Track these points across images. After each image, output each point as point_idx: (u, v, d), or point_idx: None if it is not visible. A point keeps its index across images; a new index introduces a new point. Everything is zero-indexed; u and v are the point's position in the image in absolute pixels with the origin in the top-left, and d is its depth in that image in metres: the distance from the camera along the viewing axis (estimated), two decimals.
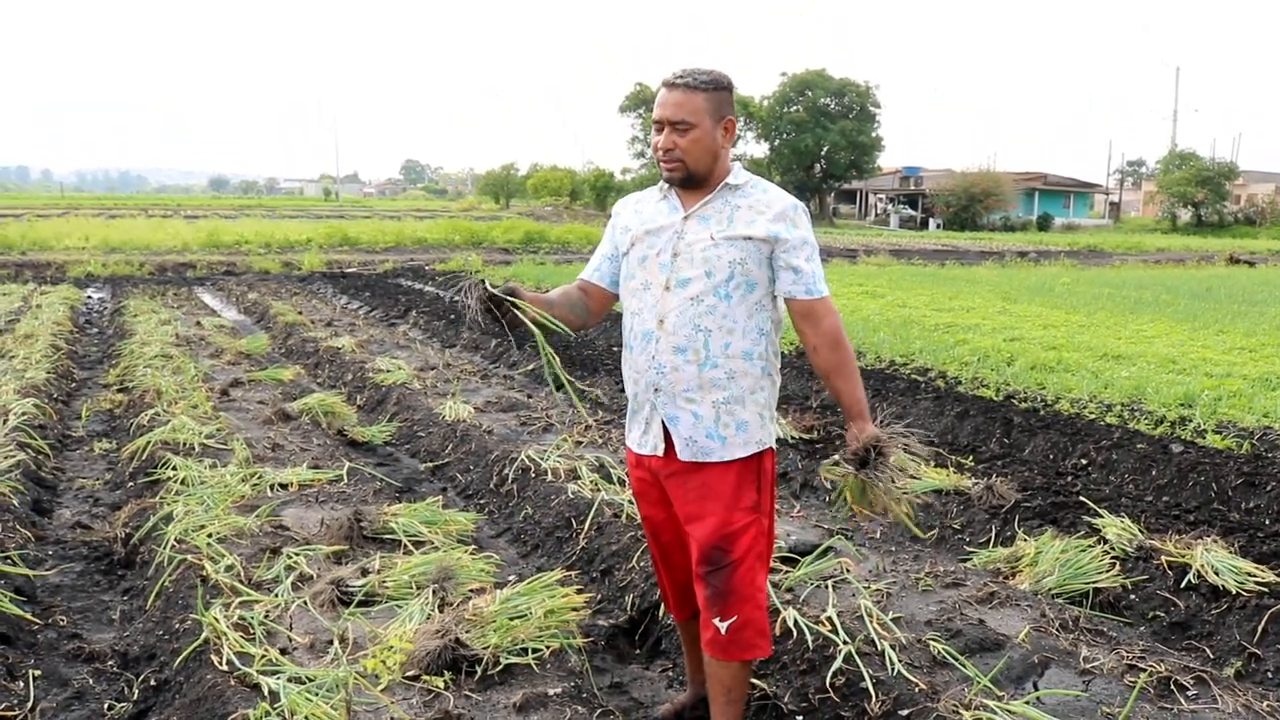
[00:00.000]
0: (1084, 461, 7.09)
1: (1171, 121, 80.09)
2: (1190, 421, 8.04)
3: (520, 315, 3.04)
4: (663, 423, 3.15)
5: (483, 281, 3.02)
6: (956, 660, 3.65)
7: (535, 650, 3.61)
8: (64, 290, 17.69)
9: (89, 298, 17.87)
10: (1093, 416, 8.26)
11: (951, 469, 6.49)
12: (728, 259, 3.05)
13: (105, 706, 3.70)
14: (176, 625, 4.06)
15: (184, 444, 6.50)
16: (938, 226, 59.25)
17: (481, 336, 12.67)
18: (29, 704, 3.61)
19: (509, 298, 3.02)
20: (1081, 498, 5.88)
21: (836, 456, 3.26)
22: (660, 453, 3.17)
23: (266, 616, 3.93)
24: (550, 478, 6.01)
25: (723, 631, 3.08)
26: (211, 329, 12.68)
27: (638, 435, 3.27)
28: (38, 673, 3.83)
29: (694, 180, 3.10)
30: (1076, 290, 19.83)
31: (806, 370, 10.08)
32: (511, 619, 3.72)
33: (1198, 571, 4.69)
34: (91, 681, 3.87)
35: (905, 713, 3.35)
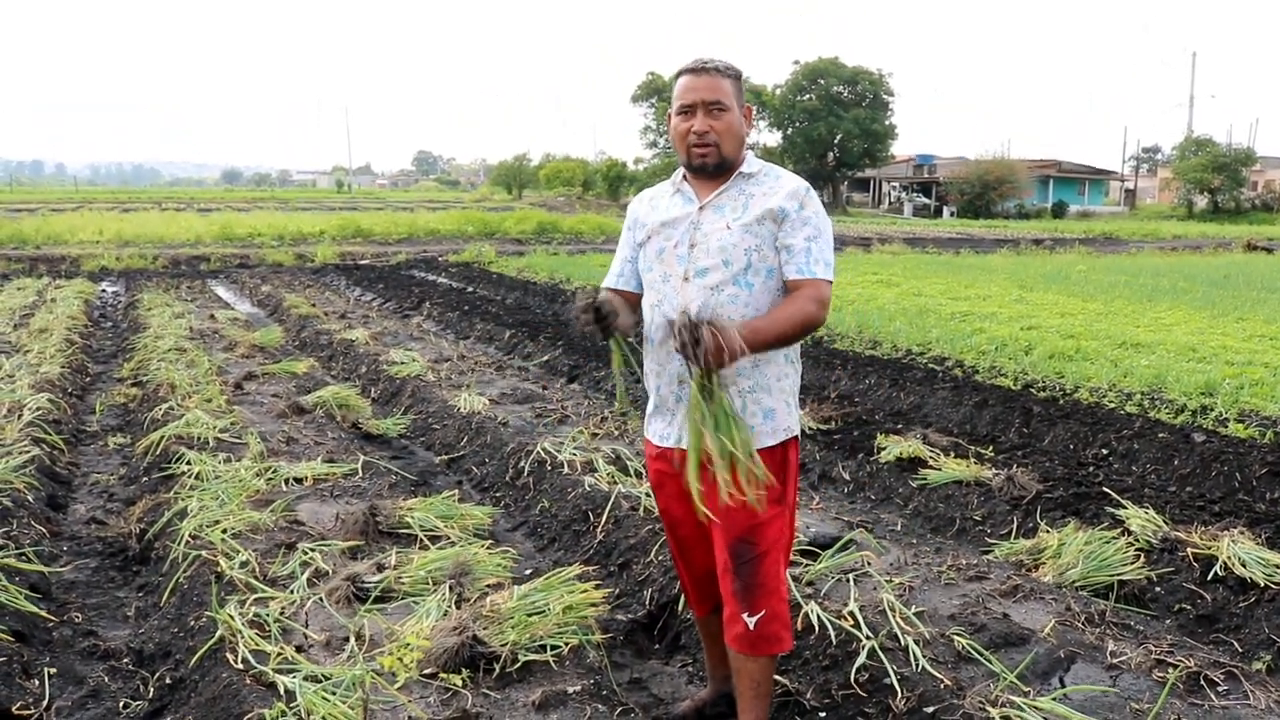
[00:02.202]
0: (1105, 451, 7.01)
1: (1188, 107, 79.48)
2: (1212, 410, 7.96)
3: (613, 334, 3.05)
4: None
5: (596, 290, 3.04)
6: (981, 655, 3.59)
7: (554, 647, 3.56)
8: (78, 284, 17.72)
9: (103, 291, 17.89)
10: (1113, 406, 8.18)
11: (972, 460, 6.42)
12: (744, 246, 3.01)
13: (121, 705, 3.67)
14: (191, 622, 4.02)
15: (198, 438, 6.47)
16: (952, 214, 59.00)
17: (496, 328, 12.62)
18: (44, 702, 3.58)
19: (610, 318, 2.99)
20: (1105, 488, 5.81)
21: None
22: (686, 445, 3.10)
23: (282, 613, 3.89)
24: (566, 470, 5.96)
25: (751, 627, 3.04)
26: (225, 322, 12.66)
27: (661, 427, 3.22)
28: (53, 670, 3.80)
29: (724, 166, 3.07)
30: (1093, 278, 19.71)
31: (824, 360, 10.02)
32: (529, 615, 3.67)
33: (1224, 563, 4.62)
34: (107, 679, 3.84)
35: (931, 710, 3.29)
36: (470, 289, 17.86)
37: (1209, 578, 4.59)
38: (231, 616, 3.76)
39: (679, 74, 3.09)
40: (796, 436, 3.19)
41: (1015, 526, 5.49)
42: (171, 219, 35.54)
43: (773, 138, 68.04)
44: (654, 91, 65.68)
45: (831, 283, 3.04)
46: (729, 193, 3.09)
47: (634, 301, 3.30)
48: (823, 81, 64.92)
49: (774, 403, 3.08)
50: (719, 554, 3.10)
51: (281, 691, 3.24)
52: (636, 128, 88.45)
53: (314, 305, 14.60)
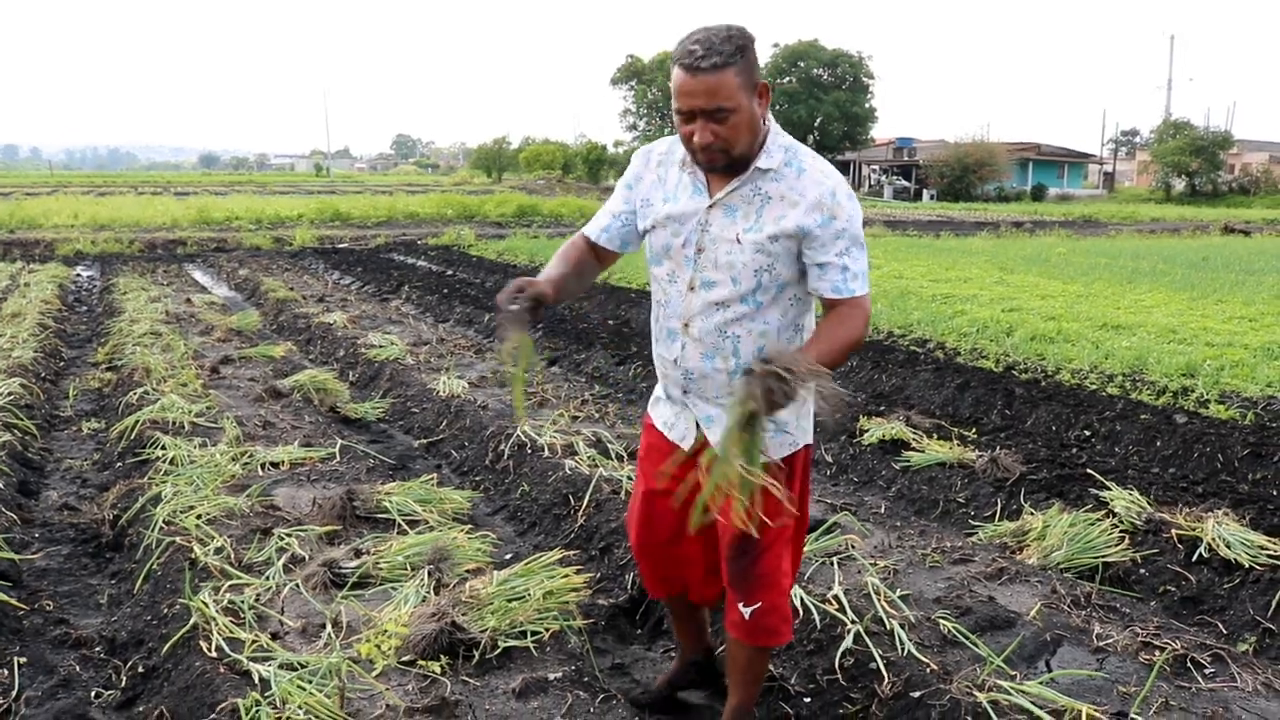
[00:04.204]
0: (1087, 433, 6.99)
1: (1166, 90, 79.62)
2: (1193, 392, 7.96)
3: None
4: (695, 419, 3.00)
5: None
6: (968, 639, 3.56)
7: (534, 633, 3.50)
8: (52, 269, 17.50)
9: (78, 276, 17.66)
10: (1094, 387, 8.18)
11: (955, 442, 6.39)
12: (753, 266, 2.78)
13: (92, 694, 3.58)
14: (165, 610, 3.94)
15: (173, 423, 6.37)
16: (931, 197, 59.05)
17: (475, 311, 12.53)
18: (14, 692, 3.50)
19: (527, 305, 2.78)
20: (1088, 470, 5.78)
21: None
22: (688, 446, 3.01)
23: (257, 600, 3.81)
24: (547, 454, 5.88)
25: (746, 617, 2.98)
26: (202, 306, 12.52)
27: (667, 416, 3.10)
28: (23, 660, 3.70)
29: (737, 164, 2.76)
30: (1073, 260, 19.75)
31: None
32: (510, 601, 3.60)
33: (1209, 545, 4.60)
34: (78, 668, 3.75)
35: (917, 694, 3.24)
36: (450, 272, 17.73)
37: (1193, 559, 4.57)
38: (205, 604, 3.69)
39: (675, 62, 2.70)
40: (809, 445, 3.06)
41: (999, 508, 5.46)
42: (148, 203, 35.16)
43: None
44: (633, 74, 65.47)
45: (869, 294, 2.79)
46: (742, 191, 2.79)
47: (610, 259, 3.14)
48: (802, 64, 64.88)
49: (785, 414, 2.76)
50: (723, 540, 2.99)
51: (256, 680, 3.17)
52: (616, 110, 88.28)
53: (292, 289, 14.46)
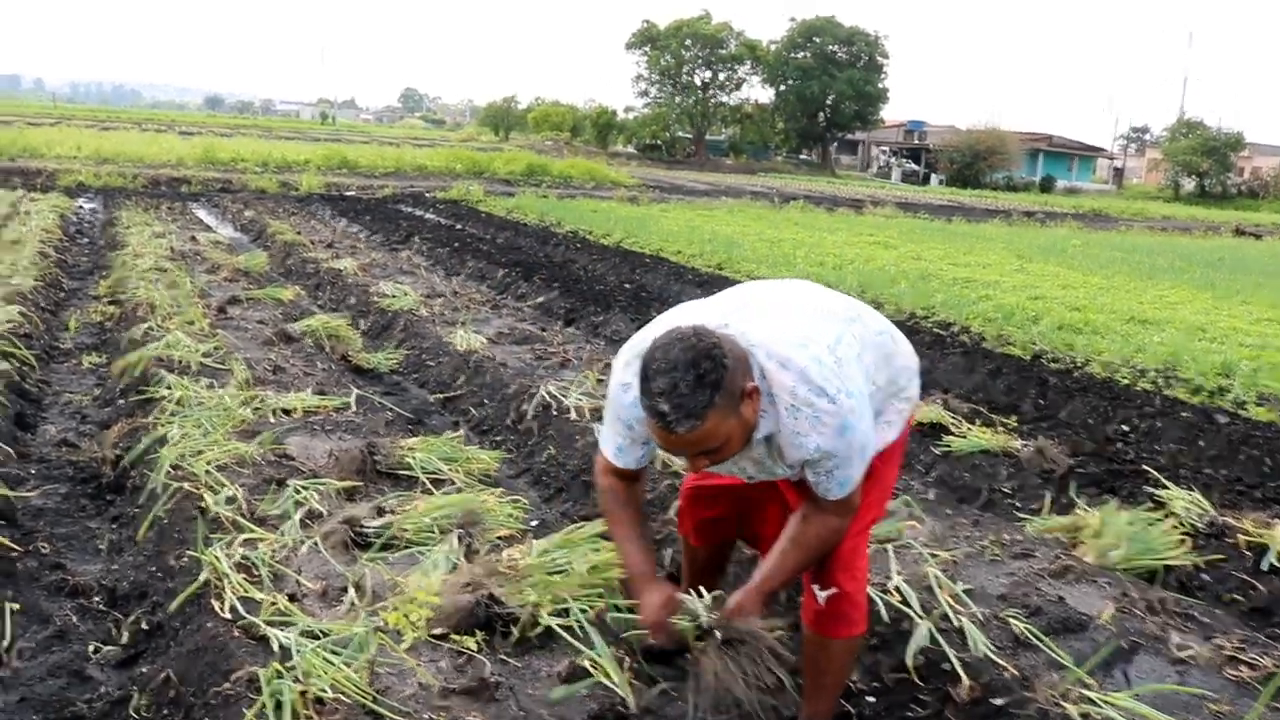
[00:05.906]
0: (1126, 428, 6.72)
1: (1181, 89, 79.21)
2: (1229, 392, 7.72)
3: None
4: None
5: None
6: (1043, 643, 3.28)
7: (582, 610, 3.19)
8: (54, 199, 17.08)
9: (80, 207, 17.26)
10: (1126, 381, 7.92)
11: (998, 429, 6.11)
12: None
13: (90, 649, 3.29)
14: (172, 562, 3.64)
15: (180, 361, 6.05)
16: (940, 182, 58.64)
17: (488, 266, 12.21)
18: (5, 642, 3.21)
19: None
20: (1144, 467, 5.51)
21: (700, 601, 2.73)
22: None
23: (272, 557, 3.51)
24: (574, 416, 5.58)
25: (821, 602, 2.73)
26: (207, 244, 12.17)
27: None
28: (16, 606, 3.40)
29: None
30: (1089, 253, 19.52)
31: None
32: (550, 574, 3.31)
33: (1279, 553, 4.33)
34: (75, 619, 3.46)
35: (999, 702, 2.96)
36: (459, 226, 17.37)
37: (1262, 568, 4.31)
38: (217, 558, 3.39)
39: (644, 409, 2.34)
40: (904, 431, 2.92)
41: (1048, 502, 5.17)
42: (152, 140, 34.62)
43: (765, 94, 67.44)
44: (648, 40, 64.77)
45: (848, 497, 2.58)
46: (755, 450, 2.54)
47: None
48: (818, 40, 64.20)
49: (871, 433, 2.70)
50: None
51: (275, 648, 2.87)
52: (629, 76, 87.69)
53: (299, 233, 14.08)
